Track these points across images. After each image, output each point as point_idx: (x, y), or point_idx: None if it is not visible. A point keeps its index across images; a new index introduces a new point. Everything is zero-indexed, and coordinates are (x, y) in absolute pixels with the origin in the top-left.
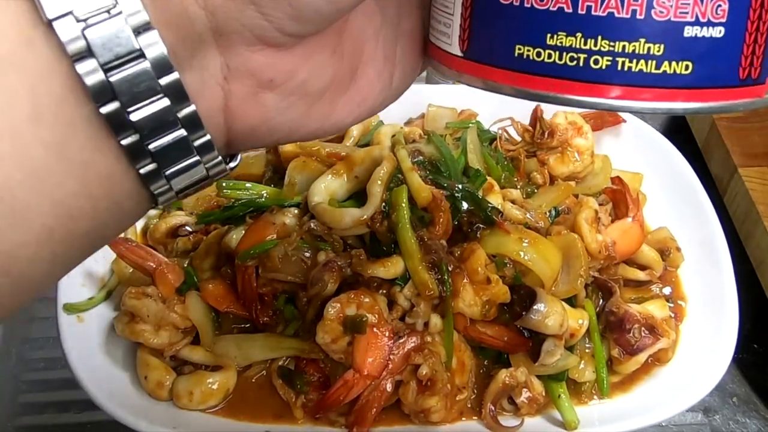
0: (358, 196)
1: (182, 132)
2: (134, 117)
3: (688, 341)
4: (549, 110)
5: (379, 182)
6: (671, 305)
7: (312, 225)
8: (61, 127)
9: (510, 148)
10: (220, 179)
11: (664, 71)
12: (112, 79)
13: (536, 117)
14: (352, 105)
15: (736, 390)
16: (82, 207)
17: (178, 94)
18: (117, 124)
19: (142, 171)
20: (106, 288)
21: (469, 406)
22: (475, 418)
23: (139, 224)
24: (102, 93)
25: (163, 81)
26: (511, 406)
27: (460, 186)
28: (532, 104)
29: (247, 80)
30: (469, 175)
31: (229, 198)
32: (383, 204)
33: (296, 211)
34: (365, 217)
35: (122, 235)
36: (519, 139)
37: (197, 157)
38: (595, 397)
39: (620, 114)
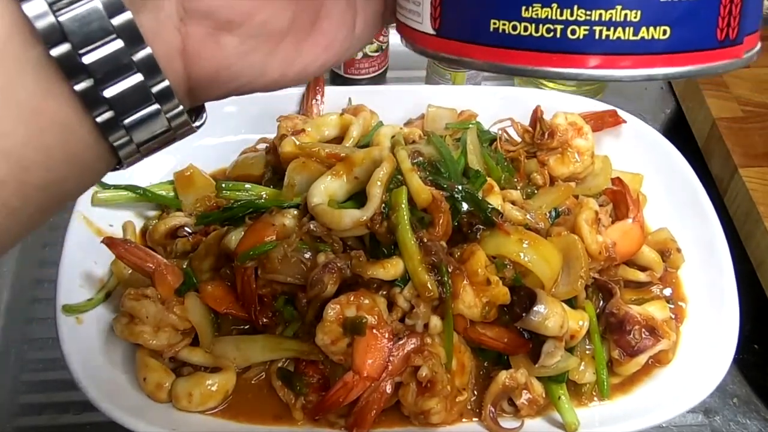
0: (357, 197)
1: (139, 76)
2: (87, 60)
3: (688, 342)
4: (549, 111)
5: (379, 183)
6: (672, 306)
7: (311, 226)
8: (7, 69)
9: (510, 149)
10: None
11: (642, 37)
12: (61, 19)
13: (536, 118)
14: (317, 50)
15: (736, 391)
16: (34, 157)
17: (132, 35)
18: (69, 67)
19: (98, 119)
20: (105, 289)
21: (469, 407)
22: (475, 419)
23: (139, 225)
24: (51, 33)
25: (116, 21)
26: (511, 408)
27: (459, 187)
28: (533, 105)
29: (205, 21)
30: (469, 176)
31: (229, 199)
32: (383, 205)
33: (296, 212)
34: (365, 218)
35: (121, 236)
36: (519, 139)
37: (157, 105)
38: (596, 398)
39: (620, 114)
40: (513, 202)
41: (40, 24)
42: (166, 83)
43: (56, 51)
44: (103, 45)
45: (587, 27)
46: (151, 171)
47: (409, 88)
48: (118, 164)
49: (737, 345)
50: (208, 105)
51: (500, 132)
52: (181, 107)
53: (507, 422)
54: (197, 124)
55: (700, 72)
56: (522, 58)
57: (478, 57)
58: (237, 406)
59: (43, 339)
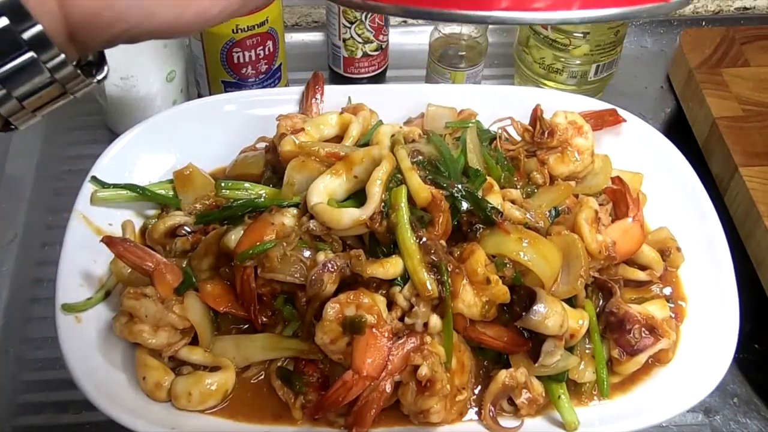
0: (357, 196)
1: (4, 20)
2: None
3: (688, 342)
4: (549, 110)
5: (379, 182)
6: (672, 305)
7: (311, 225)
8: None
9: (510, 148)
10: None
11: None
12: None
13: (536, 116)
14: None
15: (736, 390)
16: None
17: None
18: None
19: None
20: (105, 288)
21: (469, 406)
22: (475, 418)
23: (138, 224)
24: None
25: None
26: (511, 407)
27: (459, 186)
28: (533, 104)
29: None
30: (469, 175)
31: (228, 198)
32: (382, 204)
33: (295, 212)
34: (364, 217)
35: (120, 235)
36: (519, 138)
37: (32, 53)
38: (596, 397)
39: (620, 113)
40: (513, 201)
41: None
42: (38, 28)
43: None
44: None
45: None
46: (151, 170)
47: (408, 87)
48: (8, 124)
49: (737, 344)
50: (207, 104)
51: (500, 131)
52: (62, 56)
53: (507, 421)
54: (99, 77)
55: (621, 16)
56: (430, 1)
57: (387, 0)
58: (236, 405)
59: (42, 338)
